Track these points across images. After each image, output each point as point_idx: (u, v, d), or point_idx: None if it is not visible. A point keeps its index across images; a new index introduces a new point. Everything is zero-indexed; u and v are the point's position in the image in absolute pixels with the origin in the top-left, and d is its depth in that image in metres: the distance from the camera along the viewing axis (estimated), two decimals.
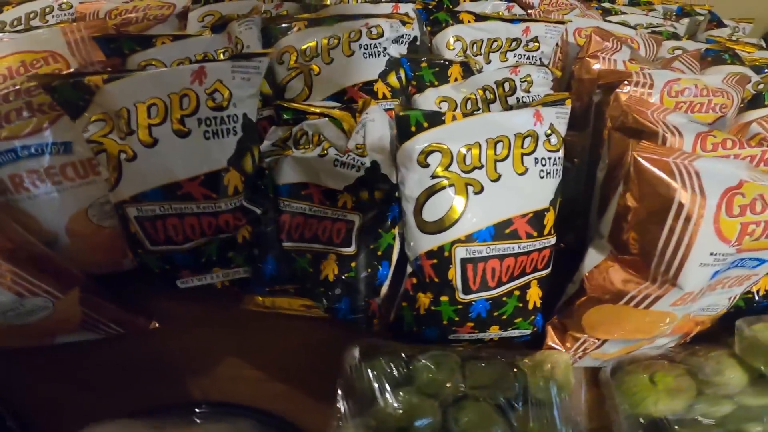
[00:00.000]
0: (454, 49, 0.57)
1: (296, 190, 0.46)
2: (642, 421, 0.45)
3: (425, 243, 0.42)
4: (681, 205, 0.35)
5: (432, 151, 0.41)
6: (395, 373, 0.41)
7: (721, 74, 0.56)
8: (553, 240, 0.45)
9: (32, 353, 0.41)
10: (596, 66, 0.59)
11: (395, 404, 0.39)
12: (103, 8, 0.58)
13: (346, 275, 0.46)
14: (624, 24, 0.76)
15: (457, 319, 0.43)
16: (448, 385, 0.41)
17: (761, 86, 0.59)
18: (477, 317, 0.44)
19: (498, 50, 0.60)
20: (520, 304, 0.45)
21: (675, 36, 0.77)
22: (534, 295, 0.46)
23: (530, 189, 0.42)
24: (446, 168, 0.41)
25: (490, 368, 0.44)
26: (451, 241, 0.41)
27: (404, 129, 0.42)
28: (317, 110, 0.48)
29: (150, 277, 0.44)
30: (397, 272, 0.47)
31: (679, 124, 0.45)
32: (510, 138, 0.42)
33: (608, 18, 0.82)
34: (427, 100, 0.54)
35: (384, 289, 0.49)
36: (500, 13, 0.69)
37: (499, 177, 0.42)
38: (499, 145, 0.42)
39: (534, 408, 0.43)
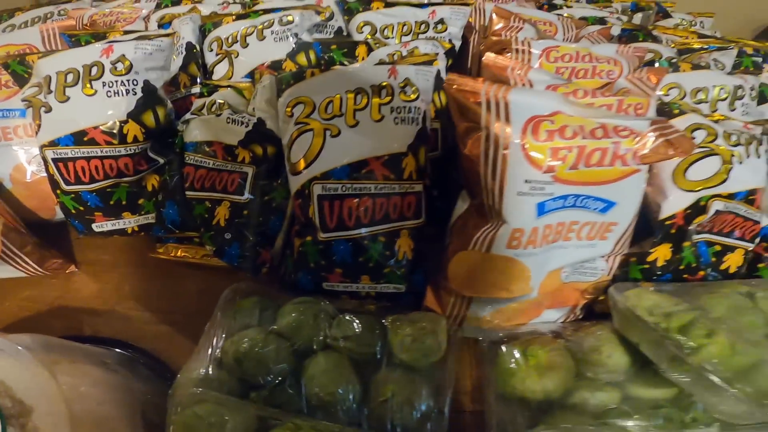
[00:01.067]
0: (363, 32, 0.64)
1: (202, 146, 0.53)
2: (510, 399, 0.41)
3: (294, 183, 0.47)
4: (488, 131, 0.38)
5: (297, 103, 0.47)
6: (258, 314, 0.43)
7: (616, 47, 0.58)
8: (417, 187, 0.48)
9: None
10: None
11: (246, 343, 0.40)
12: (86, 14, 0.71)
13: (236, 221, 0.51)
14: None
15: (322, 262, 0.47)
16: (307, 331, 0.42)
17: (667, 59, 0.59)
18: (342, 262, 0.47)
19: (409, 33, 0.66)
20: (387, 252, 0.47)
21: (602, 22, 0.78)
22: (404, 245, 0.48)
23: (386, 134, 0.46)
24: (308, 116, 0.46)
25: (357, 322, 0.44)
26: (309, 178, 0.45)
27: (280, 88, 0.48)
28: (225, 84, 0.56)
29: (72, 221, 0.51)
30: None
31: (537, 79, 0.47)
32: (367, 90, 0.47)
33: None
34: None
35: (279, 241, 0.54)
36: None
37: (357, 123, 0.46)
38: (359, 96, 0.47)
39: (397, 369, 0.43)
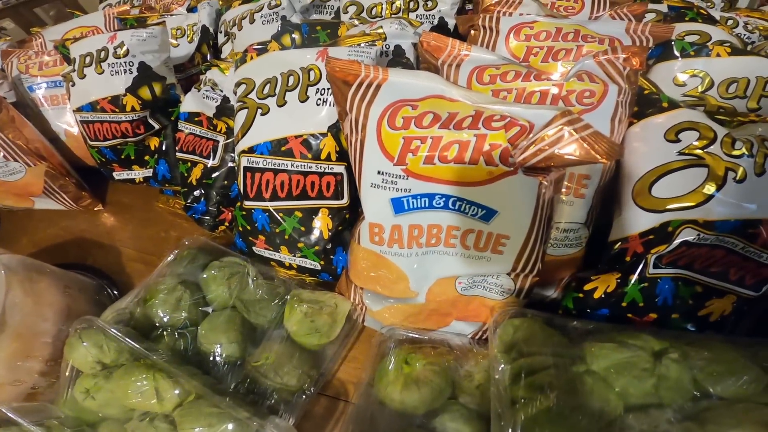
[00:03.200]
0: (348, 12, 0.63)
1: (192, 116, 0.62)
2: (373, 402, 0.40)
3: (236, 155, 0.51)
4: (351, 115, 0.36)
5: (240, 83, 0.50)
6: (186, 265, 0.49)
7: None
8: (337, 169, 0.47)
9: None
10: None
11: (157, 288, 0.46)
12: None
13: (204, 181, 0.58)
14: None
15: (248, 227, 0.51)
16: (215, 288, 0.46)
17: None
18: (262, 230, 0.50)
19: (399, 11, 0.63)
20: (302, 228, 0.49)
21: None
22: (322, 225, 0.49)
23: (307, 114, 0.47)
24: (247, 95, 0.50)
25: (264, 290, 0.47)
26: (240, 151, 0.49)
27: (236, 68, 0.52)
28: (215, 63, 0.63)
29: (101, 169, 0.65)
30: None
31: (474, 59, 0.41)
32: (298, 72, 0.47)
33: None
34: None
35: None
36: None
37: (285, 103, 0.48)
38: (291, 78, 0.48)
39: (286, 341, 0.45)
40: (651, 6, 0.59)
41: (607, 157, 0.31)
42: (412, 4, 0.62)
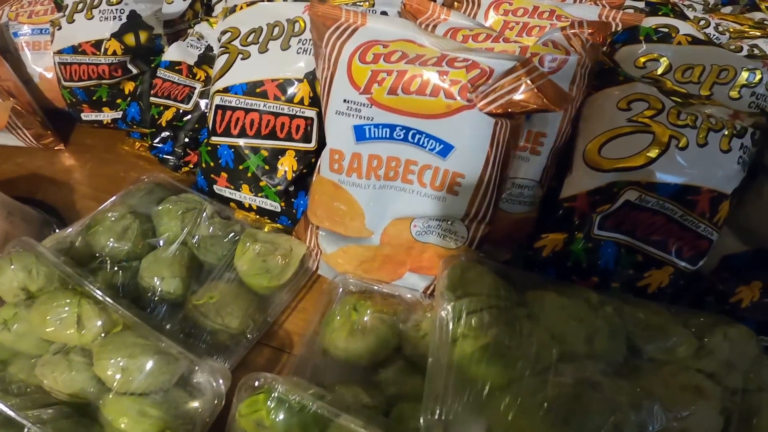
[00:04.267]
0: None
1: (173, 65, 0.62)
2: (324, 349, 0.40)
3: (210, 95, 0.52)
4: (325, 50, 0.37)
5: (226, 31, 0.52)
6: (139, 197, 0.48)
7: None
8: (309, 113, 0.48)
9: None
10: None
11: (103, 217, 0.45)
12: None
13: (175, 123, 0.58)
14: None
15: (212, 164, 0.51)
16: (167, 222, 0.46)
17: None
18: (226, 166, 0.50)
19: None
20: (266, 166, 0.49)
21: None
22: (287, 165, 0.50)
23: (287, 61, 0.49)
24: (230, 42, 0.51)
25: (216, 227, 0.46)
26: (215, 90, 0.51)
27: (225, 17, 0.54)
28: (204, 18, 0.64)
29: (69, 110, 0.65)
30: None
31: (444, 23, 0.44)
32: (284, 23, 0.49)
33: None
34: None
35: None
36: None
37: (267, 50, 0.49)
38: (277, 28, 0.50)
39: (233, 281, 0.44)
40: (629, 3, 0.64)
41: (558, 105, 0.33)
42: None
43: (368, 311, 0.40)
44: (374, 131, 0.36)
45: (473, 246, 0.40)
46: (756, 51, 0.51)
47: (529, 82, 0.33)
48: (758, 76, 0.44)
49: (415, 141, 0.36)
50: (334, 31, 0.37)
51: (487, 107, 0.34)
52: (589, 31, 0.42)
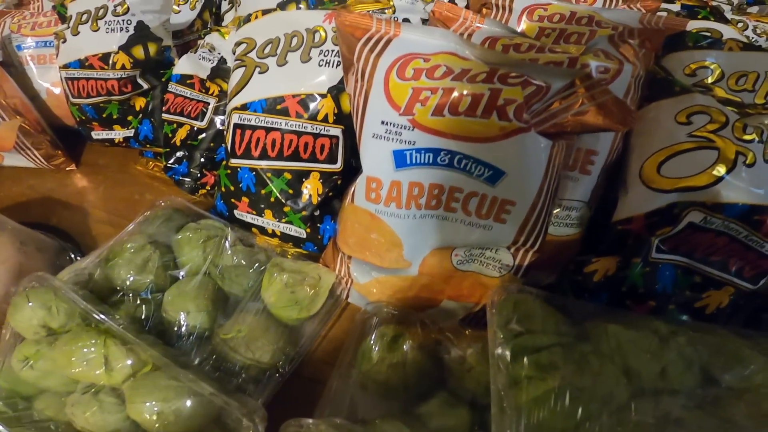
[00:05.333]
0: None
1: (184, 79, 0.59)
2: (353, 384, 0.37)
3: (227, 113, 0.49)
4: (358, 65, 0.34)
5: (241, 43, 0.49)
6: (158, 225, 0.45)
7: (639, 15, 0.46)
8: (333, 131, 0.45)
9: None
10: None
11: (123, 247, 0.43)
12: None
13: (190, 142, 0.56)
14: None
15: (231, 188, 0.48)
16: (189, 251, 0.43)
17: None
18: (247, 191, 0.48)
19: None
20: (290, 190, 0.46)
21: None
22: (312, 189, 0.47)
23: (308, 75, 0.46)
24: (246, 54, 0.48)
25: (241, 256, 0.43)
26: (232, 108, 0.47)
27: (238, 28, 0.51)
28: (215, 28, 0.61)
29: (79, 128, 0.62)
30: None
31: (486, 31, 0.41)
32: (302, 33, 0.46)
33: None
34: None
35: None
36: None
37: (286, 63, 0.46)
38: (295, 39, 0.47)
39: (262, 312, 0.41)
40: (664, 6, 0.60)
41: (623, 123, 0.30)
42: None
43: (407, 342, 0.37)
44: (416, 157, 0.33)
45: (519, 274, 0.38)
46: None
47: (589, 98, 0.30)
48: None
49: (462, 167, 0.33)
50: (366, 42, 0.34)
51: (543, 127, 0.31)
52: (640, 39, 0.39)
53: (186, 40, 0.68)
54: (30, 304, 0.37)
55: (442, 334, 0.40)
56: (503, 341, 0.30)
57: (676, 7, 0.57)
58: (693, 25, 0.53)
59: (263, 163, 0.46)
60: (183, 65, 0.59)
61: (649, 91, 0.39)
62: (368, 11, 0.48)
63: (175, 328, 0.40)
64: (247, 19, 0.50)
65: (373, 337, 0.39)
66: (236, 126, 0.47)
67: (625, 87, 0.37)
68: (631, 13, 0.47)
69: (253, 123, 0.46)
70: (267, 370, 0.40)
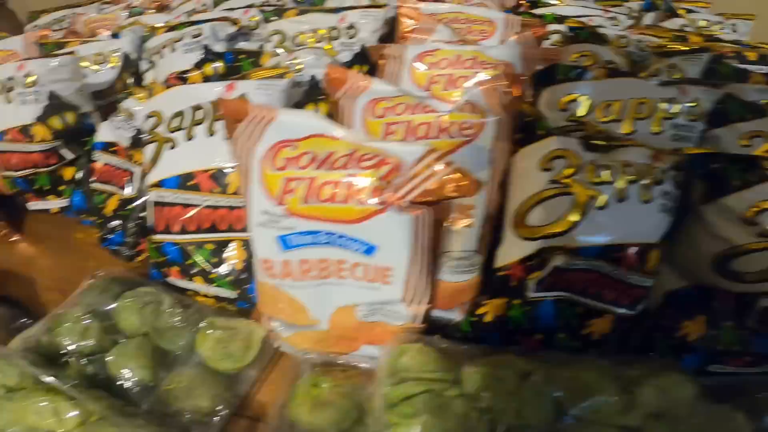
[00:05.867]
0: (271, 41, 0.64)
1: (107, 146, 0.61)
2: (285, 423, 0.41)
3: (145, 189, 0.51)
4: (240, 156, 0.37)
5: (150, 116, 0.51)
6: (97, 295, 0.49)
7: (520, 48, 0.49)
8: (241, 201, 0.48)
9: None
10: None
11: (66, 317, 0.47)
12: (83, 18, 0.84)
13: (121, 212, 0.58)
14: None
15: (160, 259, 0.51)
16: (127, 317, 0.47)
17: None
18: (174, 261, 0.51)
19: (322, 40, 0.64)
20: (214, 259, 0.50)
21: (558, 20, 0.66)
22: (235, 256, 0.50)
23: (216, 148, 0.48)
24: (155, 129, 0.50)
25: (178, 318, 0.47)
26: (149, 185, 0.50)
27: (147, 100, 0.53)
28: (133, 90, 0.62)
29: (16, 198, 0.64)
30: None
31: (365, 93, 0.44)
32: (207, 106, 0.48)
33: (533, 10, 0.76)
34: None
35: None
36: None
37: (194, 137, 0.49)
38: (199, 112, 0.49)
39: (200, 366, 0.46)
40: (556, 27, 0.63)
41: (470, 192, 0.34)
42: (334, 32, 0.63)
43: (327, 386, 0.41)
44: (298, 239, 0.36)
45: (418, 322, 0.42)
46: (673, 72, 0.51)
47: (436, 170, 0.33)
48: (676, 106, 0.45)
49: (340, 244, 0.36)
50: (243, 130, 0.37)
51: (404, 199, 0.34)
52: (506, 84, 0.42)
53: (110, 100, 0.70)
54: None
55: (360, 376, 0.44)
56: (381, 390, 0.35)
57: (565, 27, 0.60)
58: (575, 49, 0.56)
59: (184, 237, 0.49)
60: (104, 133, 0.61)
61: (521, 133, 0.43)
62: (269, 77, 0.50)
63: (121, 383, 0.45)
64: (152, 93, 0.52)
65: (299, 381, 0.44)
66: (155, 203, 0.49)
67: (491, 138, 0.40)
68: (513, 48, 0.50)
69: (169, 200, 0.49)
70: (208, 413, 0.45)
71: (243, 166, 0.37)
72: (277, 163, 0.35)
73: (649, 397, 0.35)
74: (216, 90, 0.48)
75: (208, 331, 0.47)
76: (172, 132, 0.50)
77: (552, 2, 0.78)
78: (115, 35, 0.74)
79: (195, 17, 0.72)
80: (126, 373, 0.45)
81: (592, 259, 0.38)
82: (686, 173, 0.40)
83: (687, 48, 0.54)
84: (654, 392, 0.35)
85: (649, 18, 0.75)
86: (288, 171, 0.35)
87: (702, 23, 0.74)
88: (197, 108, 0.49)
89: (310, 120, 0.36)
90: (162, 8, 0.91)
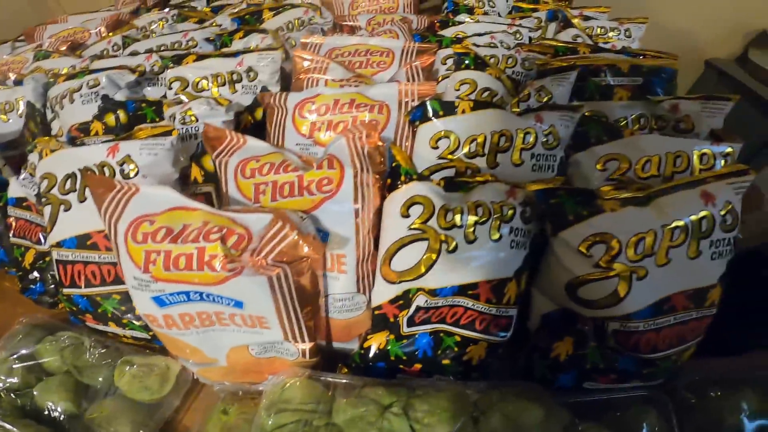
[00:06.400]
0: (172, 88, 0.66)
1: (20, 202, 0.63)
2: None
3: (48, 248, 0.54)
4: (109, 228, 0.39)
5: (44, 177, 0.53)
6: (20, 339, 0.54)
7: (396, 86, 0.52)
8: None
9: None
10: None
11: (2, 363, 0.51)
12: None
13: (38, 265, 0.60)
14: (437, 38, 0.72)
15: (74, 308, 0.54)
16: (50, 356, 0.52)
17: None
18: (86, 310, 0.54)
19: (224, 84, 0.66)
20: (122, 307, 0.52)
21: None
22: None
23: None
24: (49, 190, 0.52)
25: (96, 357, 0.52)
26: (50, 245, 0.53)
27: (38, 161, 0.54)
28: (37, 143, 0.63)
29: None
30: None
31: (239, 152, 0.47)
32: (94, 168, 0.51)
33: (440, 33, 0.78)
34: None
35: None
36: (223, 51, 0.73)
37: (86, 199, 0.51)
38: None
39: (120, 397, 0.51)
40: (448, 52, 0.66)
41: (314, 252, 0.37)
42: (235, 76, 0.65)
43: (234, 413, 0.46)
44: (172, 299, 0.40)
45: (308, 357, 0.45)
46: (542, 94, 0.53)
47: (284, 235, 0.37)
48: (532, 137, 0.48)
49: (212, 300, 0.40)
50: (108, 204, 0.41)
51: (261, 262, 0.38)
52: (365, 133, 0.45)
53: (21, 151, 0.70)
54: None
55: None
56: (259, 420, 0.40)
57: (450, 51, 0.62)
58: (458, 77, 0.59)
59: (90, 290, 0.52)
60: (15, 188, 0.63)
61: (390, 179, 0.46)
62: (153, 135, 0.52)
63: (47, 413, 0.51)
64: (41, 155, 0.53)
65: (216, 409, 0.48)
66: (58, 262, 0.52)
67: (352, 191, 0.43)
68: (391, 87, 0.53)
69: (71, 259, 0.51)
70: None
71: (111, 237, 0.40)
72: (137, 237, 0.38)
73: (494, 423, 0.39)
74: (100, 153, 0.50)
75: (125, 368, 0.52)
76: (66, 194, 0.52)
77: (464, 20, 0.80)
78: (18, 82, 0.74)
79: (98, 63, 0.72)
80: (51, 405, 0.51)
81: (451, 297, 0.42)
82: (534, 209, 0.44)
83: (557, 66, 0.57)
84: (499, 419, 0.39)
85: (551, 29, 0.78)
86: (147, 244, 0.38)
87: (598, 30, 0.78)
88: (86, 170, 0.51)
89: (168, 194, 0.39)
90: (74, 48, 0.90)
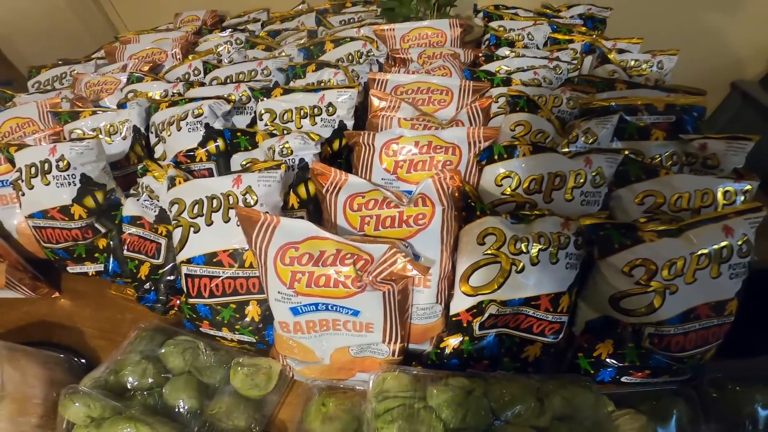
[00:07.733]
0: (263, 119, 0.80)
1: (134, 220, 0.78)
2: None
3: (177, 263, 0.68)
4: (257, 250, 0.54)
5: (174, 202, 0.67)
6: (146, 343, 0.67)
7: (465, 130, 0.65)
8: (254, 273, 0.65)
9: None
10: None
11: (125, 362, 0.64)
12: (85, 79, 0.99)
13: (153, 277, 0.75)
14: (486, 74, 0.85)
15: (194, 315, 0.68)
16: (173, 360, 0.65)
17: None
18: (205, 317, 0.68)
19: (306, 117, 0.80)
20: (237, 315, 0.67)
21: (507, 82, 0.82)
22: (253, 312, 0.68)
23: (231, 233, 0.65)
24: (180, 214, 0.66)
25: (212, 359, 0.66)
26: (180, 261, 0.67)
27: (168, 189, 0.69)
28: (149, 166, 0.78)
29: (55, 264, 0.80)
30: None
31: (344, 188, 0.61)
32: (219, 196, 0.65)
33: (485, 67, 0.91)
34: (235, 162, 0.80)
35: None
36: (310, 85, 0.87)
37: (212, 223, 0.65)
38: (215, 201, 0.65)
39: (233, 395, 0.64)
40: (501, 90, 0.79)
41: (422, 272, 0.51)
42: (316, 110, 0.79)
43: (332, 404, 0.60)
44: (304, 308, 0.55)
45: (396, 355, 0.60)
46: (589, 136, 0.67)
47: (397, 260, 0.51)
48: (582, 177, 0.62)
49: (334, 310, 0.55)
50: (258, 231, 0.55)
51: (377, 279, 0.53)
52: (449, 177, 0.59)
53: (125, 172, 0.86)
54: (76, 404, 0.59)
55: (357, 396, 0.63)
56: (371, 405, 0.54)
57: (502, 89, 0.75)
58: (512, 119, 0.72)
59: (213, 300, 0.67)
60: (130, 208, 0.78)
61: (466, 213, 0.60)
62: (266, 169, 0.66)
63: (176, 410, 0.63)
64: (173, 183, 0.68)
65: (311, 402, 0.62)
66: (187, 275, 0.67)
67: (440, 224, 0.57)
68: (460, 131, 0.67)
69: (198, 273, 0.66)
70: (244, 430, 0.64)
71: (260, 259, 0.54)
72: (285, 260, 0.53)
73: (556, 404, 0.53)
74: (226, 183, 0.65)
75: (238, 368, 0.66)
76: (195, 218, 0.66)
77: (506, 54, 0.93)
78: (121, 105, 0.88)
79: (193, 92, 0.86)
80: (179, 402, 0.63)
81: (517, 307, 0.56)
82: (584, 238, 0.58)
83: (598, 106, 0.71)
84: (560, 400, 0.54)
85: (587, 62, 0.90)
86: (294, 266, 0.53)
87: (632, 63, 0.90)
88: (212, 198, 0.66)
89: (306, 225, 0.54)
90: (153, 69, 1.05)
